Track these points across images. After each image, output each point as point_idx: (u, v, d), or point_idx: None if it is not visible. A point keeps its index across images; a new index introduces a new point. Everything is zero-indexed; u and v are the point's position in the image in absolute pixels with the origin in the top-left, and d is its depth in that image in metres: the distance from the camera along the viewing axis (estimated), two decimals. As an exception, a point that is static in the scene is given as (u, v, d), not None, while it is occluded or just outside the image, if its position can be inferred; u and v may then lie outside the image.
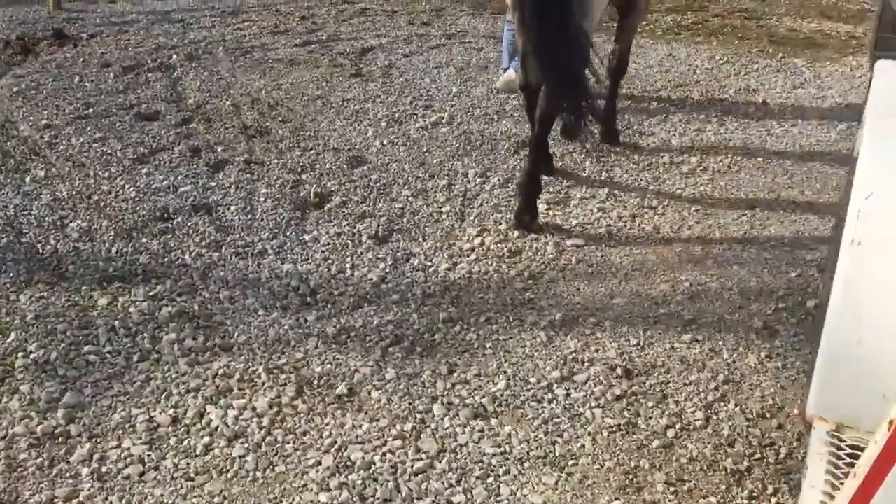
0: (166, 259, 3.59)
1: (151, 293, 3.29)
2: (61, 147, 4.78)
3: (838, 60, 7.39)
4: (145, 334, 3.07)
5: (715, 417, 2.67)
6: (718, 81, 6.55)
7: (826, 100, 6.09)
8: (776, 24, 9.10)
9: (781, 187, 4.43)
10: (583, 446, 2.53)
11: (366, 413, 2.67)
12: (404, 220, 4.00)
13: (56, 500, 2.32)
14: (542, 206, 4.13)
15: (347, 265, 3.55)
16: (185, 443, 2.54)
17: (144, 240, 3.76)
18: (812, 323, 3.04)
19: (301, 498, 2.33)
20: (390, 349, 2.99)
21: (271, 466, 2.45)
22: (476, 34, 8.18)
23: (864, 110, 2.75)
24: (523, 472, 2.42)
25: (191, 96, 5.80)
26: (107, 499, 2.32)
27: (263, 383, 2.81)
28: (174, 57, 6.81)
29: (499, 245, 3.72)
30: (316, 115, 5.51)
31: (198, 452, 2.50)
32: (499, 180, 4.46)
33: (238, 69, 6.55)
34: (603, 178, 4.55)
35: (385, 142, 5.04)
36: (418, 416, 2.67)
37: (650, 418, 2.67)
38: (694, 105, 5.85)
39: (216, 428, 2.59)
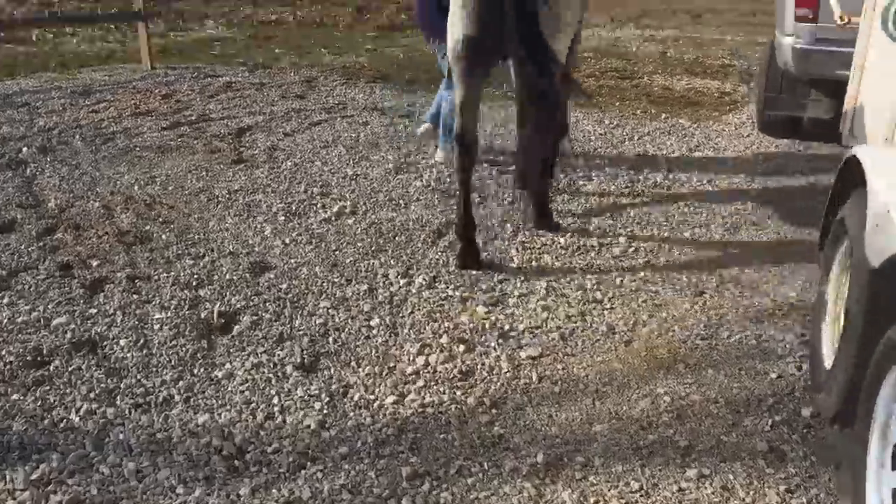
0: (47, 421, 2.90)
1: (34, 476, 2.60)
2: None
3: (720, 119, 7.48)
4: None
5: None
6: (616, 147, 6.43)
7: (726, 164, 6.06)
8: (648, 82, 9.23)
9: (721, 264, 4.23)
10: None
11: None
12: (329, 339, 3.47)
13: None
14: (480, 309, 3.71)
15: (276, 408, 2.98)
16: None
17: (15, 396, 3.05)
18: (817, 439, 2.76)
19: None
20: (349, 523, 2.46)
21: None
22: (356, 106, 7.78)
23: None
24: None
25: (51, 198, 5.04)
26: None
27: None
28: (24, 150, 6.00)
29: (446, 365, 3.25)
30: (202, 212, 4.90)
31: None
32: (424, 280, 4.02)
33: (101, 161, 5.82)
34: (534, 267, 4.20)
35: (287, 240, 4.50)
36: None
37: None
38: (600, 175, 5.66)
39: None
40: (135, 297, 3.80)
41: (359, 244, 4.46)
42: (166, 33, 12.53)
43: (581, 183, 5.52)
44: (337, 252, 4.36)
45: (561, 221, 4.77)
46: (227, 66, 9.76)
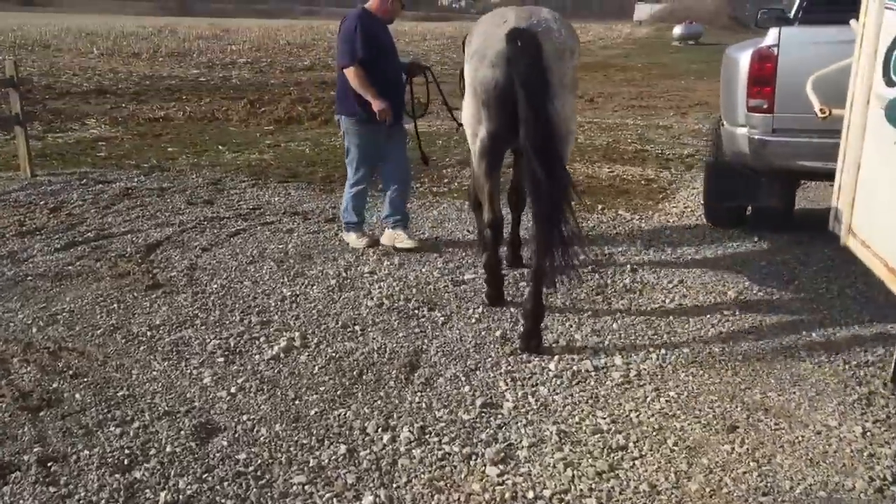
0: None
1: None
2: None
3: (658, 208, 7.23)
4: None
5: None
6: (568, 247, 6.01)
7: (689, 259, 5.73)
8: (571, 170, 8.97)
9: (738, 387, 3.77)
10: None
11: None
12: (316, 533, 2.75)
13: None
14: (491, 471, 3.08)
15: None
16: None
17: None
18: None
19: None
20: None
21: None
22: (274, 211, 7.11)
23: None
24: None
25: (-78, 353, 4.11)
26: None
27: None
28: None
29: (475, 559, 2.60)
30: (121, 357, 4.08)
31: None
32: (411, 433, 3.36)
33: (-14, 297, 4.90)
34: (532, 405, 3.61)
35: (233, 389, 3.74)
36: None
37: None
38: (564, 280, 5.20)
39: None
40: (50, 490, 2.95)
41: (321, 388, 3.76)
42: (43, 135, 11.48)
43: (545, 291, 5.02)
44: (297, 401, 3.64)
45: (545, 340, 4.24)
46: (119, 170, 8.88)
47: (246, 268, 5.48)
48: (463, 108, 4.43)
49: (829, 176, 4.37)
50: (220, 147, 10.90)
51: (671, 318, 4.61)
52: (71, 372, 3.89)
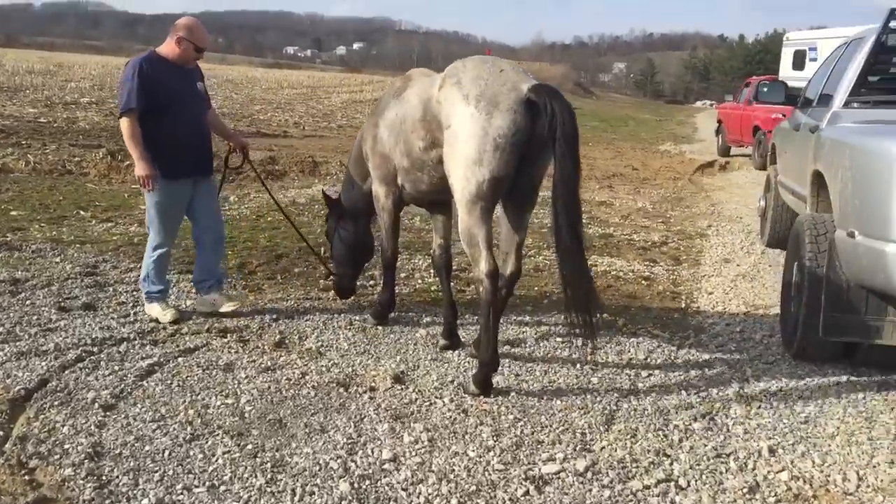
0: None
1: None
2: None
3: (690, 323, 5.71)
4: None
5: None
6: (592, 378, 4.31)
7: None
8: (530, 262, 7.38)
9: None
10: None
11: None
12: None
13: None
14: None
15: None
16: None
17: None
18: None
19: None
20: None
21: None
22: (194, 323, 4.99)
23: None
24: None
25: None
26: None
27: None
28: None
29: None
30: None
31: None
32: None
33: None
34: None
35: None
36: None
37: None
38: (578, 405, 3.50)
39: None
40: None
41: None
42: None
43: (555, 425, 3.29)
44: None
45: None
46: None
47: (186, 453, 3.38)
48: (377, 165, 4.81)
49: None
50: (81, 212, 8.53)
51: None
52: None
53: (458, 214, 4.11)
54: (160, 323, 5.07)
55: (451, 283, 5.14)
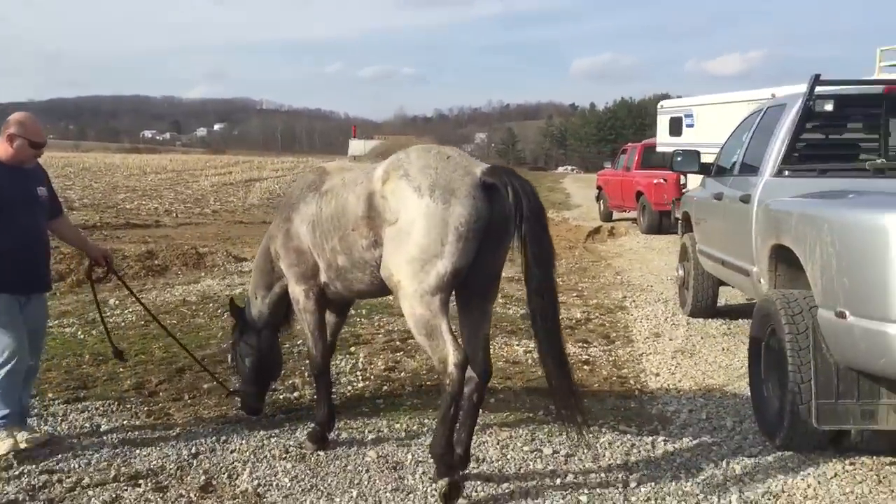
0: None
1: None
2: None
3: (671, 420, 5.32)
4: None
5: None
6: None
7: None
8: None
9: None
10: None
11: None
12: None
13: None
14: None
15: None
16: None
17: None
18: None
19: None
20: None
21: None
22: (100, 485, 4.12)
23: None
24: None
25: None
26: None
27: None
28: None
29: None
30: None
31: None
32: None
33: None
34: None
35: None
36: None
37: None
38: None
39: None
40: None
41: None
42: None
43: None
44: None
45: None
46: None
47: None
48: (294, 262, 4.54)
49: None
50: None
51: None
52: None
53: (408, 310, 3.82)
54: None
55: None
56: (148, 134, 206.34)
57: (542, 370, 3.90)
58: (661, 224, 16.58)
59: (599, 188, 21.44)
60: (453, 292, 3.97)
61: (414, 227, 3.74)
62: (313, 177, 4.65)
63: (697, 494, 3.99)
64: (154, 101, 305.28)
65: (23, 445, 4.47)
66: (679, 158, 7.64)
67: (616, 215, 20.57)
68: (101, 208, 21.07)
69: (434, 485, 3.89)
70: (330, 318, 4.92)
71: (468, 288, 3.94)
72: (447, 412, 3.81)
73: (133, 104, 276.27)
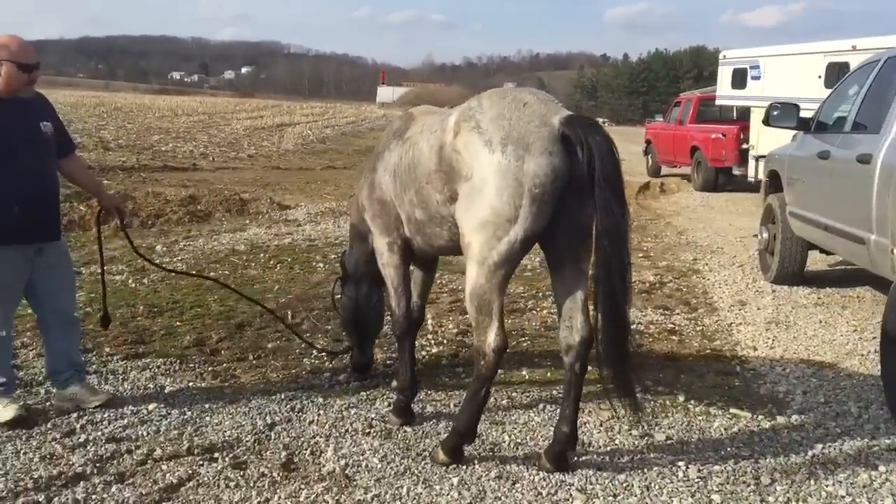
0: None
1: None
2: None
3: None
4: None
5: None
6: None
7: None
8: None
9: None
10: None
11: None
12: None
13: None
14: None
15: None
16: None
17: None
18: None
19: None
20: None
21: None
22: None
23: None
24: None
25: None
26: None
27: None
28: None
29: None
30: None
31: None
32: None
33: None
34: None
35: None
36: None
37: None
38: None
39: None
40: None
41: None
42: None
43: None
44: None
45: None
46: None
47: None
48: (377, 216, 4.24)
49: None
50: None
51: None
52: None
53: (470, 275, 3.51)
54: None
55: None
56: (176, 76, 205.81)
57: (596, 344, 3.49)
58: (717, 181, 15.90)
59: (648, 142, 20.68)
60: (543, 255, 3.66)
61: (486, 185, 3.40)
62: (399, 123, 4.33)
63: (844, 497, 3.51)
64: (183, 42, 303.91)
65: (92, 404, 4.18)
66: (776, 112, 7.03)
67: (664, 171, 19.86)
68: (137, 150, 20.69)
69: (432, 453, 3.77)
70: (417, 275, 4.54)
71: (555, 246, 3.60)
72: (478, 392, 3.64)
73: (161, 45, 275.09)
